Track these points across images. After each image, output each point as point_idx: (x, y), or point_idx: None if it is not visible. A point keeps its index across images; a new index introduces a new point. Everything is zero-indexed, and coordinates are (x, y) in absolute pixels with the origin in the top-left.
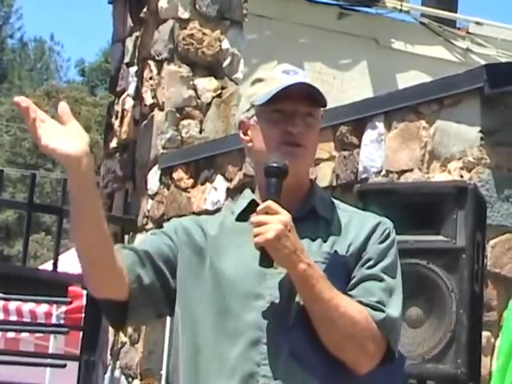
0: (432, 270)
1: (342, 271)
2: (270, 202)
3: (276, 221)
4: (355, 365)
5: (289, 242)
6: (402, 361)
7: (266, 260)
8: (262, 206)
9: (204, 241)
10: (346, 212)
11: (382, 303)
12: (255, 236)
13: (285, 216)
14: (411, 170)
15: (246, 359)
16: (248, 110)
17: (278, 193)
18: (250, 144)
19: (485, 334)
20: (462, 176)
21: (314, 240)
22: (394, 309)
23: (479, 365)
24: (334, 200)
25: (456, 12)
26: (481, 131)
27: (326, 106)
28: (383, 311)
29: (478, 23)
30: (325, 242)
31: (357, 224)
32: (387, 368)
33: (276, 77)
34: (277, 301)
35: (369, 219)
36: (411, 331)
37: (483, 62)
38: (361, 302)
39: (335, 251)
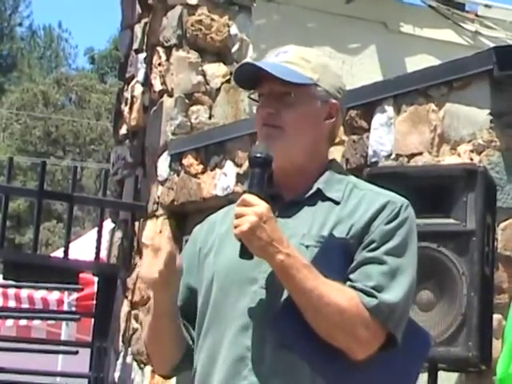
0: (442, 253)
1: (339, 254)
2: (245, 195)
3: (251, 213)
4: (349, 352)
5: (264, 233)
6: (424, 342)
7: (246, 252)
8: (240, 198)
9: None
10: (361, 191)
11: (379, 288)
12: (234, 228)
13: (261, 207)
14: (421, 154)
15: (237, 344)
16: None
17: (260, 183)
18: None
19: (496, 316)
20: (471, 159)
21: (314, 223)
22: (395, 293)
23: (490, 348)
24: (354, 179)
25: None
26: (490, 114)
27: (306, 84)
28: (376, 297)
29: (486, 6)
30: (327, 224)
31: (366, 203)
32: (394, 353)
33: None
34: (270, 285)
35: (379, 198)
36: (422, 315)
37: (492, 45)
38: (354, 288)
39: (331, 234)
